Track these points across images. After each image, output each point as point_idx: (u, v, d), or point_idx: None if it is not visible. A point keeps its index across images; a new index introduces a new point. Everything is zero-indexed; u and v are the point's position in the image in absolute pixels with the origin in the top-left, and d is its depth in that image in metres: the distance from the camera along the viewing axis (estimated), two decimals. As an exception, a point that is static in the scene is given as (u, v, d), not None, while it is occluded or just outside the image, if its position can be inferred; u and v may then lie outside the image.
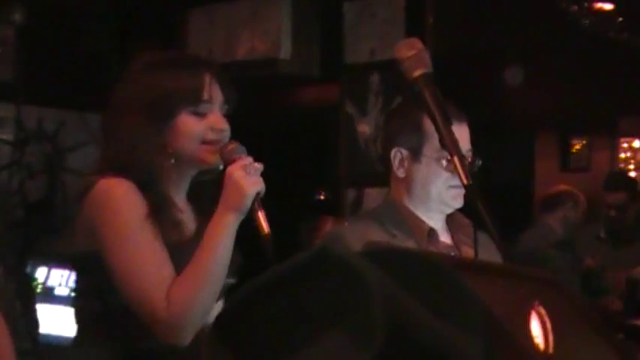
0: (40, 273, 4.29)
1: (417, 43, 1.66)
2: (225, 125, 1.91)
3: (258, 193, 1.82)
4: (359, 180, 4.58)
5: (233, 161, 1.84)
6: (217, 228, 1.82)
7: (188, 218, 1.94)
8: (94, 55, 5.35)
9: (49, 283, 4.27)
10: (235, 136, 1.98)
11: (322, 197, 5.33)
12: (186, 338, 1.80)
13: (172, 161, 1.89)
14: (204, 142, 1.89)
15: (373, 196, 4.42)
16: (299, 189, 5.18)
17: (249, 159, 1.85)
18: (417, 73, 1.62)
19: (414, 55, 1.64)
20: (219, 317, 0.69)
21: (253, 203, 1.82)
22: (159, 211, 1.85)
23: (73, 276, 4.06)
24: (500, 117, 5.24)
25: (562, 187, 4.98)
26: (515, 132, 5.76)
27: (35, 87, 5.11)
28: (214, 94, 1.91)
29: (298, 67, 4.72)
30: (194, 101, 1.89)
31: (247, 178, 1.81)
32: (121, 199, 1.83)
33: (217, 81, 1.92)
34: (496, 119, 4.99)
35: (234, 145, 1.88)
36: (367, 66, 4.52)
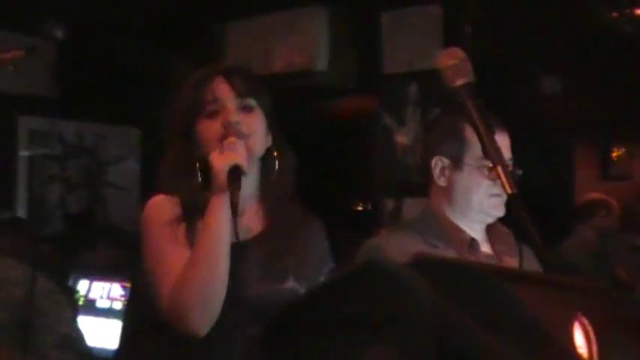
0: (82, 286, 4.33)
1: (459, 53, 1.66)
2: (234, 117, 1.91)
3: (237, 167, 1.81)
4: (397, 190, 4.57)
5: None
6: (206, 214, 1.84)
7: (241, 223, 1.93)
8: (132, 69, 5.41)
9: (91, 295, 4.31)
10: (286, 140, 2.00)
11: (360, 208, 5.33)
12: (197, 325, 1.80)
13: (199, 174, 1.92)
14: (221, 140, 1.90)
15: (412, 206, 4.40)
16: (337, 200, 5.18)
17: (232, 139, 1.86)
18: (459, 82, 1.61)
19: (455, 65, 1.63)
20: (266, 329, 0.69)
21: (230, 179, 1.81)
22: (190, 220, 1.89)
23: (116, 288, 4.11)
24: (540, 126, 5.20)
25: (593, 195, 4.91)
26: (555, 141, 5.71)
27: (75, 102, 5.18)
28: (221, 92, 1.95)
29: (336, 79, 4.72)
30: (201, 105, 1.94)
31: (219, 155, 1.83)
32: (147, 214, 1.93)
33: (226, 79, 1.96)
34: (535, 128, 4.95)
35: (231, 132, 1.89)
36: (405, 76, 4.51)
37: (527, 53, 4.55)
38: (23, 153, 5.11)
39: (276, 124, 2.03)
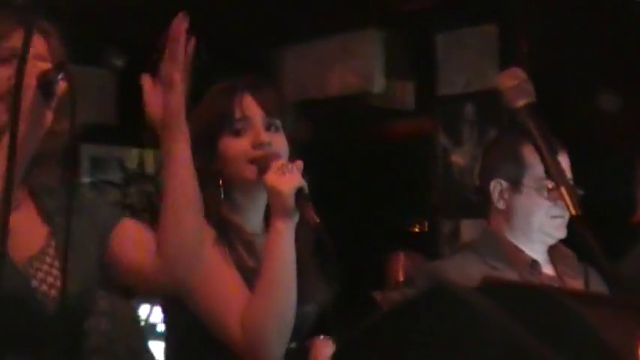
0: (143, 310, 4.38)
1: (520, 73, 1.65)
2: (265, 138, 1.88)
3: (300, 190, 1.77)
4: (455, 211, 4.54)
5: (267, 168, 1.82)
6: (272, 240, 1.79)
7: (260, 245, 1.92)
8: (191, 95, 5.47)
9: (152, 319, 4.35)
10: (331, 169, 1.99)
11: (416, 229, 5.30)
12: (275, 353, 1.77)
13: (222, 190, 1.89)
14: (251, 161, 1.88)
15: (470, 227, 4.36)
16: (393, 222, 5.16)
17: (283, 160, 1.82)
18: (521, 102, 1.61)
19: (516, 85, 1.63)
20: (335, 354, 0.70)
21: (298, 200, 1.76)
22: (225, 238, 1.85)
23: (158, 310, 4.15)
24: (600, 142, 5.13)
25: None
26: (615, 158, 5.62)
27: (136, 129, 5.26)
28: (249, 109, 1.90)
29: (391, 101, 4.73)
30: (227, 121, 1.90)
31: (281, 178, 1.78)
32: None
33: (254, 96, 1.92)
34: (595, 145, 4.88)
35: (268, 154, 1.85)
36: (461, 97, 4.50)
37: (585, 69, 4.50)
38: (85, 180, 5.20)
39: (298, 144, 1.98)
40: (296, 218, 1.79)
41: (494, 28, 4.35)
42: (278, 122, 1.93)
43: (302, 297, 1.86)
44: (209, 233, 1.85)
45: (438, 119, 4.63)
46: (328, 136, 5.15)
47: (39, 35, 1.61)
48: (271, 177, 1.79)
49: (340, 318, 1.97)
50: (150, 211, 5.47)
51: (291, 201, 1.77)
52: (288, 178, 1.78)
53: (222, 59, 5.97)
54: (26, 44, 1.25)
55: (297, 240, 1.89)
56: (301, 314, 1.86)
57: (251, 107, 1.91)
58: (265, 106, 1.92)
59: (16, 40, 1.54)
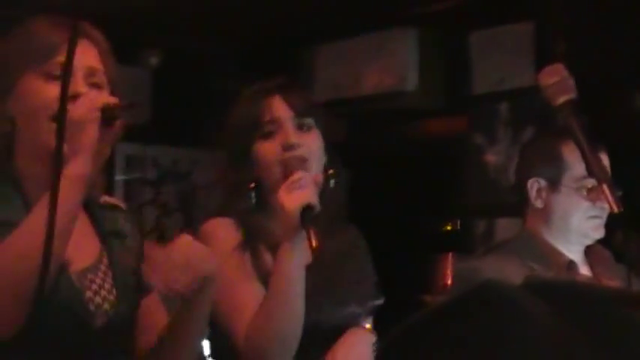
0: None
1: (561, 70, 1.63)
2: (293, 139, 1.86)
3: (308, 207, 1.73)
4: (489, 211, 4.51)
5: (288, 175, 1.80)
6: (278, 257, 1.78)
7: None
8: (225, 94, 5.50)
9: None
10: (364, 168, 1.97)
11: (450, 228, 5.28)
12: None
13: (253, 195, 1.88)
14: (281, 163, 1.86)
15: (504, 226, 4.33)
16: (428, 221, 5.14)
17: (298, 174, 1.79)
18: (562, 99, 1.59)
19: (558, 82, 1.61)
20: (378, 353, 0.69)
21: (303, 220, 1.72)
22: (250, 245, 1.85)
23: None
24: (638, 142, 5.06)
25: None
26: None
27: (170, 128, 5.30)
28: (278, 111, 1.89)
29: (425, 99, 4.71)
30: (257, 125, 1.89)
31: (289, 195, 1.75)
32: (210, 239, 1.85)
33: (283, 98, 1.91)
34: (634, 145, 4.82)
35: (294, 159, 1.84)
36: (495, 95, 4.47)
37: (623, 67, 4.44)
38: (120, 178, 5.24)
39: (330, 144, 1.96)
40: (303, 237, 1.74)
41: (530, 26, 4.31)
42: (309, 121, 1.93)
43: (340, 299, 1.86)
44: (233, 236, 1.85)
45: (472, 118, 4.61)
46: (362, 135, 5.15)
47: (90, 45, 1.58)
48: (281, 193, 1.77)
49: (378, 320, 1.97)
50: (183, 210, 5.51)
51: (294, 219, 1.73)
52: (296, 195, 1.75)
53: (256, 59, 6.03)
54: (70, 56, 1.23)
55: (334, 242, 1.88)
56: (340, 317, 1.86)
57: (280, 109, 1.90)
58: (295, 107, 1.91)
59: (276, 110, 1.56)
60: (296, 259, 1.76)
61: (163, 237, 5.36)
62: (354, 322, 1.90)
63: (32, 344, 1.43)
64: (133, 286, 1.63)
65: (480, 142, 4.57)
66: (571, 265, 2.10)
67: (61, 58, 1.50)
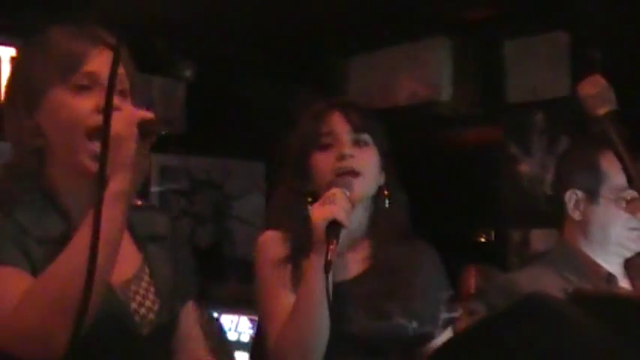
0: (229, 320, 4.41)
1: (601, 80, 1.61)
2: (348, 150, 1.90)
3: (334, 222, 1.74)
4: (524, 221, 4.48)
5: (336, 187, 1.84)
6: (305, 269, 1.81)
7: (348, 260, 1.94)
8: (257, 105, 5.53)
9: (238, 330, 4.37)
10: (398, 178, 1.98)
11: (483, 239, 5.24)
12: None
13: (308, 207, 1.89)
14: (335, 174, 1.89)
15: (540, 237, 4.30)
16: (461, 231, 5.12)
17: (334, 190, 1.81)
18: (602, 110, 1.57)
19: (598, 93, 1.59)
20: (431, 357, 0.69)
21: (327, 234, 1.73)
22: (297, 257, 1.88)
23: (244, 321, 4.17)
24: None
25: None
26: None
27: (204, 139, 5.33)
28: (336, 125, 1.94)
29: (459, 109, 4.69)
30: (315, 137, 1.94)
31: (319, 208, 1.77)
32: (257, 251, 1.94)
33: (342, 113, 1.96)
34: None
35: (344, 169, 1.87)
36: (530, 105, 4.44)
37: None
38: (155, 188, 5.28)
39: (391, 163, 2.01)
40: (321, 247, 1.76)
41: (565, 35, 4.28)
42: (366, 137, 1.96)
43: (380, 312, 1.86)
44: (280, 248, 1.90)
45: (506, 128, 4.58)
46: (396, 145, 5.14)
47: (109, 55, 1.52)
48: (314, 205, 1.81)
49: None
50: (216, 220, 5.53)
51: (320, 232, 1.75)
52: (325, 209, 1.77)
53: (291, 70, 6.03)
54: (111, 83, 1.21)
55: (383, 254, 1.90)
56: (382, 329, 1.86)
57: (338, 123, 1.96)
58: (352, 122, 1.95)
59: (93, 64, 1.51)
60: (319, 274, 1.76)
61: (197, 247, 5.39)
62: (402, 334, 1.90)
63: None
64: (172, 293, 1.63)
65: (514, 151, 4.54)
66: (610, 277, 2.07)
67: (88, 68, 1.50)
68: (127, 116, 1.45)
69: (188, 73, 5.26)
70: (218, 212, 5.56)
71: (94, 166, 1.48)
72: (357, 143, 1.94)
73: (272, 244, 1.93)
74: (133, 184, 1.45)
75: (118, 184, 1.43)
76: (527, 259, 3.40)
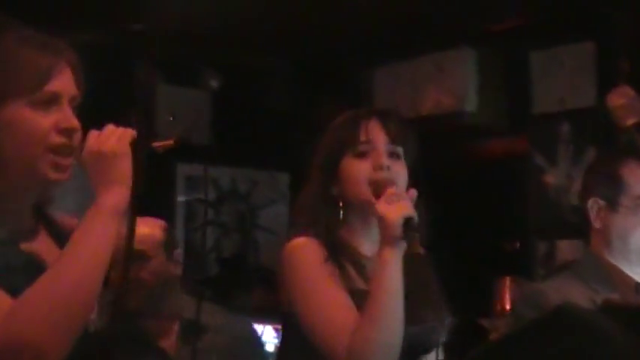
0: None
1: (629, 91, 1.62)
2: (385, 161, 1.91)
3: (409, 219, 1.77)
4: (550, 232, 4.45)
5: (381, 194, 1.84)
6: (380, 267, 1.80)
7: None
8: (283, 116, 5.55)
9: (263, 338, 4.37)
10: (423, 189, 1.98)
11: (510, 250, 5.21)
12: None
13: (341, 212, 1.92)
14: (370, 183, 1.90)
15: (566, 248, 4.27)
16: (487, 242, 5.09)
17: (396, 188, 1.83)
18: (631, 120, 1.57)
19: (626, 104, 1.59)
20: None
21: (406, 229, 1.77)
22: (336, 260, 1.88)
23: (269, 330, 4.18)
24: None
25: None
26: None
27: (229, 149, 5.36)
28: (374, 134, 1.95)
29: (485, 120, 4.68)
30: (352, 143, 1.94)
31: (390, 206, 1.79)
32: (298, 255, 1.90)
33: (380, 122, 1.97)
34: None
35: (385, 178, 1.88)
36: (556, 116, 4.42)
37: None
38: (180, 198, 5.31)
39: (418, 174, 2.00)
40: (403, 248, 1.80)
41: (591, 45, 4.26)
42: (400, 150, 1.97)
43: (423, 318, 1.87)
44: (321, 252, 1.88)
45: (532, 138, 4.56)
46: (421, 156, 5.12)
47: (69, 73, 1.54)
48: (381, 204, 1.81)
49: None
50: (241, 230, 5.55)
51: (397, 230, 1.77)
52: (397, 206, 1.79)
53: (316, 81, 6.05)
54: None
55: (416, 266, 1.91)
56: (423, 333, 1.87)
57: (376, 132, 1.96)
58: (389, 133, 1.96)
59: (57, 84, 1.50)
60: (396, 271, 1.80)
61: (223, 257, 5.41)
62: (434, 336, 1.92)
63: None
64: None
65: (540, 162, 4.52)
66: (638, 287, 2.06)
67: (51, 87, 1.49)
68: (121, 134, 1.49)
69: (213, 83, 5.28)
70: (243, 222, 5.58)
71: (54, 175, 1.50)
72: (391, 155, 1.95)
73: (311, 247, 1.90)
74: (127, 199, 1.48)
75: (113, 198, 1.47)
76: (554, 269, 3.38)
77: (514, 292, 3.90)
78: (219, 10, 4.45)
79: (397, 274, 1.80)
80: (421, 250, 1.76)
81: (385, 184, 1.86)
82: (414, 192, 1.86)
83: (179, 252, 2.91)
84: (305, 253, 1.90)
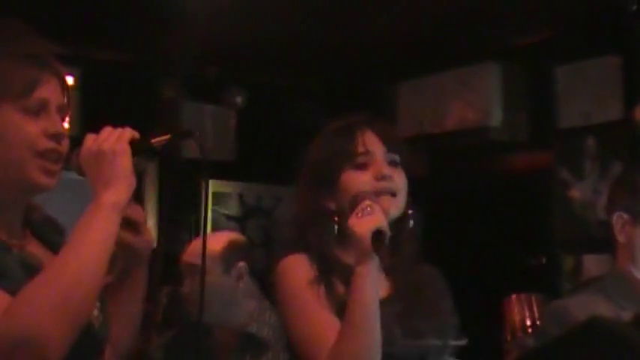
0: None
1: None
2: (385, 171, 1.90)
3: (378, 232, 1.74)
4: (576, 247, 4.42)
5: (354, 209, 1.81)
6: (353, 280, 1.78)
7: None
8: (308, 132, 5.56)
9: None
10: (449, 203, 1.97)
11: (533, 264, 5.18)
12: None
13: (335, 227, 1.90)
14: (374, 193, 1.87)
15: (593, 262, 4.24)
16: (512, 257, 5.07)
17: (367, 202, 1.80)
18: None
19: None
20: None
21: (375, 244, 1.74)
22: (325, 277, 1.87)
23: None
24: None
25: None
26: None
27: (255, 165, 5.38)
28: (372, 144, 1.93)
29: (509, 134, 4.66)
30: (350, 156, 1.92)
31: (359, 220, 1.77)
32: (287, 273, 1.88)
33: (375, 132, 1.95)
34: None
35: (384, 189, 1.87)
36: (582, 130, 4.40)
37: None
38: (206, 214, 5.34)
39: (412, 184, 1.98)
40: (376, 261, 1.77)
41: (617, 59, 4.24)
42: (397, 157, 1.96)
43: (418, 330, 1.85)
44: (310, 269, 1.88)
45: (557, 153, 4.54)
46: (446, 171, 5.12)
47: (57, 81, 1.58)
48: (352, 218, 1.80)
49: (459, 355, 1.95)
50: (266, 245, 5.56)
51: (366, 243, 1.75)
52: (367, 220, 1.77)
53: (340, 96, 6.05)
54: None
55: (410, 272, 1.90)
56: (417, 350, 1.86)
57: (373, 142, 1.95)
58: (386, 141, 1.95)
59: (45, 91, 1.55)
60: (370, 284, 1.78)
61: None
62: (436, 355, 1.90)
63: None
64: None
65: (566, 177, 4.50)
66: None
67: (40, 94, 1.53)
68: (120, 134, 1.54)
69: (239, 100, 5.32)
70: (268, 238, 5.59)
71: (43, 180, 1.53)
72: (390, 163, 1.94)
73: (300, 266, 1.89)
74: (126, 197, 1.51)
75: (113, 195, 1.50)
76: (580, 285, 3.35)
77: (524, 309, 3.84)
78: (244, 28, 4.48)
79: (370, 287, 1.77)
80: (385, 261, 1.74)
81: (358, 200, 1.83)
82: (388, 205, 1.85)
83: (242, 265, 2.92)
84: (293, 271, 1.89)
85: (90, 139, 1.55)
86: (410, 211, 1.95)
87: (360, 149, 1.93)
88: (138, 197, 1.63)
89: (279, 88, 5.48)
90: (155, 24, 4.44)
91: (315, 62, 5.10)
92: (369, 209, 1.79)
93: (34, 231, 1.63)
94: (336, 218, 1.91)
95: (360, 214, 1.78)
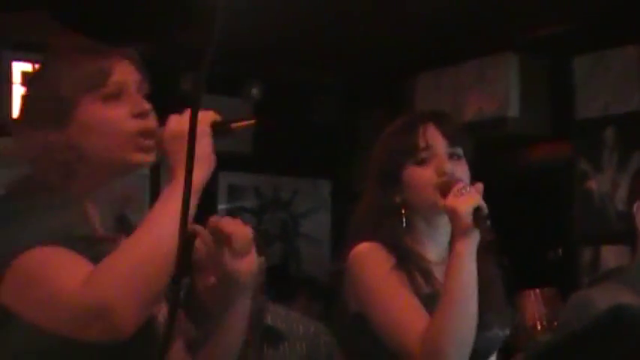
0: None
1: None
2: (446, 167, 1.92)
3: (478, 209, 1.80)
4: (595, 238, 4.40)
5: (448, 193, 1.86)
6: (454, 259, 1.83)
7: (440, 272, 1.94)
8: (324, 125, 5.56)
9: None
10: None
11: (554, 256, 5.17)
12: None
13: (404, 219, 1.93)
14: (436, 187, 1.91)
15: (611, 254, 4.22)
16: (532, 248, 5.05)
17: (461, 183, 1.86)
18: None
19: None
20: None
21: (476, 220, 1.79)
22: (404, 266, 1.90)
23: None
24: None
25: None
26: None
27: (271, 158, 5.38)
28: (433, 139, 1.96)
29: (528, 125, 4.64)
30: (412, 151, 1.95)
31: (458, 199, 1.81)
32: (367, 259, 1.93)
33: (437, 126, 1.97)
34: None
35: (451, 179, 1.90)
36: (601, 121, 4.37)
37: None
38: (222, 206, 5.34)
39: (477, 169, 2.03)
40: (476, 238, 1.82)
41: (636, 49, 4.21)
42: (459, 150, 1.99)
43: (486, 322, 1.88)
44: (389, 257, 1.91)
45: (576, 144, 4.52)
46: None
47: (127, 63, 1.61)
48: (450, 199, 1.84)
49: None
50: (283, 238, 5.57)
51: (467, 220, 1.80)
52: (465, 198, 1.82)
53: (357, 87, 6.05)
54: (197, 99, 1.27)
55: (480, 265, 1.92)
56: (484, 340, 1.87)
57: (434, 137, 1.97)
58: (447, 135, 1.97)
59: (120, 74, 1.57)
60: (469, 261, 1.82)
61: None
62: (497, 345, 1.92)
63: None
64: None
65: (585, 168, 4.47)
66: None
67: (115, 78, 1.56)
68: (202, 116, 1.51)
69: (255, 92, 5.32)
70: (285, 230, 5.60)
71: (140, 157, 1.56)
72: (451, 157, 1.96)
73: (379, 253, 1.93)
74: (205, 177, 1.51)
75: (194, 176, 1.48)
76: (599, 276, 3.33)
77: (541, 303, 3.81)
78: (262, 22, 4.48)
79: (471, 265, 1.82)
80: (491, 236, 1.79)
81: (452, 184, 1.87)
82: (480, 185, 1.88)
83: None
84: (374, 257, 1.93)
85: (173, 120, 1.54)
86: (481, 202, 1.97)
87: (421, 144, 1.96)
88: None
89: (295, 81, 5.47)
90: (174, 18, 4.44)
91: (332, 55, 5.09)
92: (463, 190, 1.84)
93: (126, 227, 1.64)
94: (403, 211, 1.95)
95: (457, 194, 1.83)
